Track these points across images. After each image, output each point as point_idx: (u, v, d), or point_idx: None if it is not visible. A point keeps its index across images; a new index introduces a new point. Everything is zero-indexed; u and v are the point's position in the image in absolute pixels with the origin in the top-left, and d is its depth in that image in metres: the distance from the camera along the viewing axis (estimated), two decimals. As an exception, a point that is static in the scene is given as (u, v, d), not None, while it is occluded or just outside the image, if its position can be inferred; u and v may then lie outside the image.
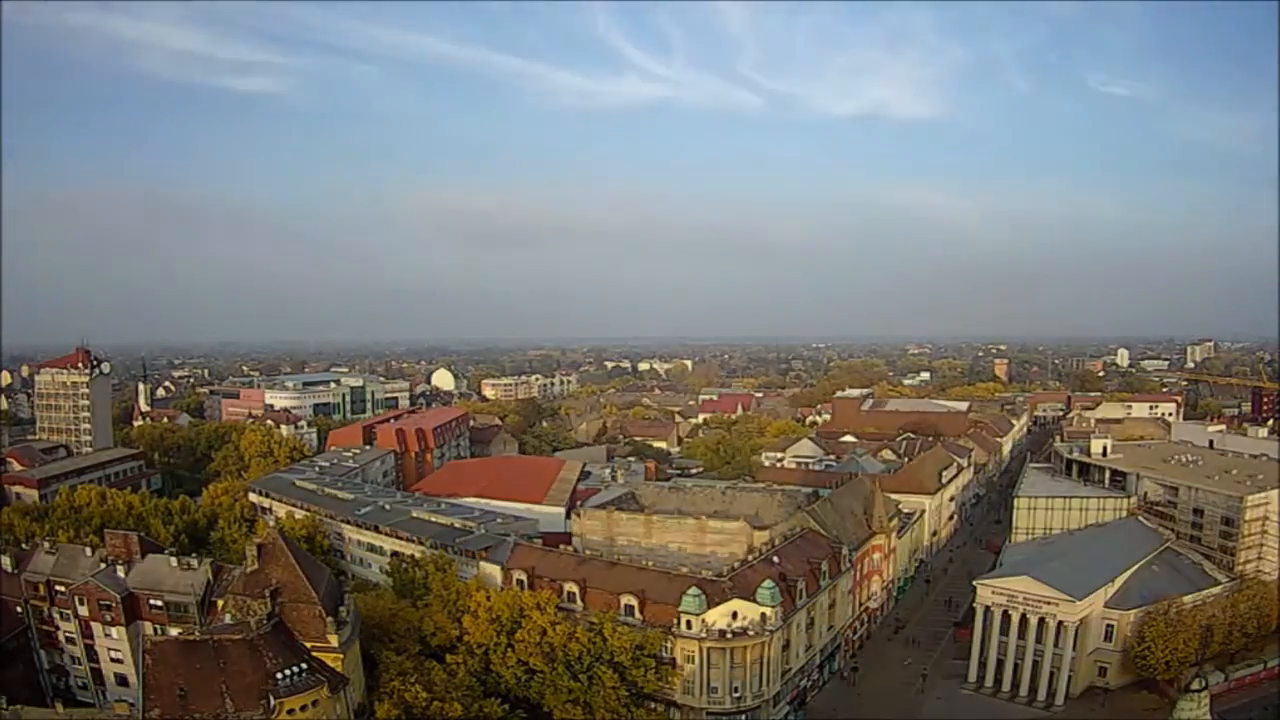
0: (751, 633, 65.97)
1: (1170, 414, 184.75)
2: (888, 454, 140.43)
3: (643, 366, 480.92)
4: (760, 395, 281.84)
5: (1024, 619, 74.15)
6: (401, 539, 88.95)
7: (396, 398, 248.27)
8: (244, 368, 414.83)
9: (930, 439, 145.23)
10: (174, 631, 62.08)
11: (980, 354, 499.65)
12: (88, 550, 72.66)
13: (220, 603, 61.00)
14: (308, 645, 53.79)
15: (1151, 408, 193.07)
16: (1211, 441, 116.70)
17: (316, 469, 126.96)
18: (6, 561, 73.23)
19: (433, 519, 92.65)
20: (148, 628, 65.63)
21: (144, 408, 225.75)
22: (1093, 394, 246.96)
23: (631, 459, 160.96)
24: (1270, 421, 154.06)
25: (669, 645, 66.30)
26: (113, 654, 68.10)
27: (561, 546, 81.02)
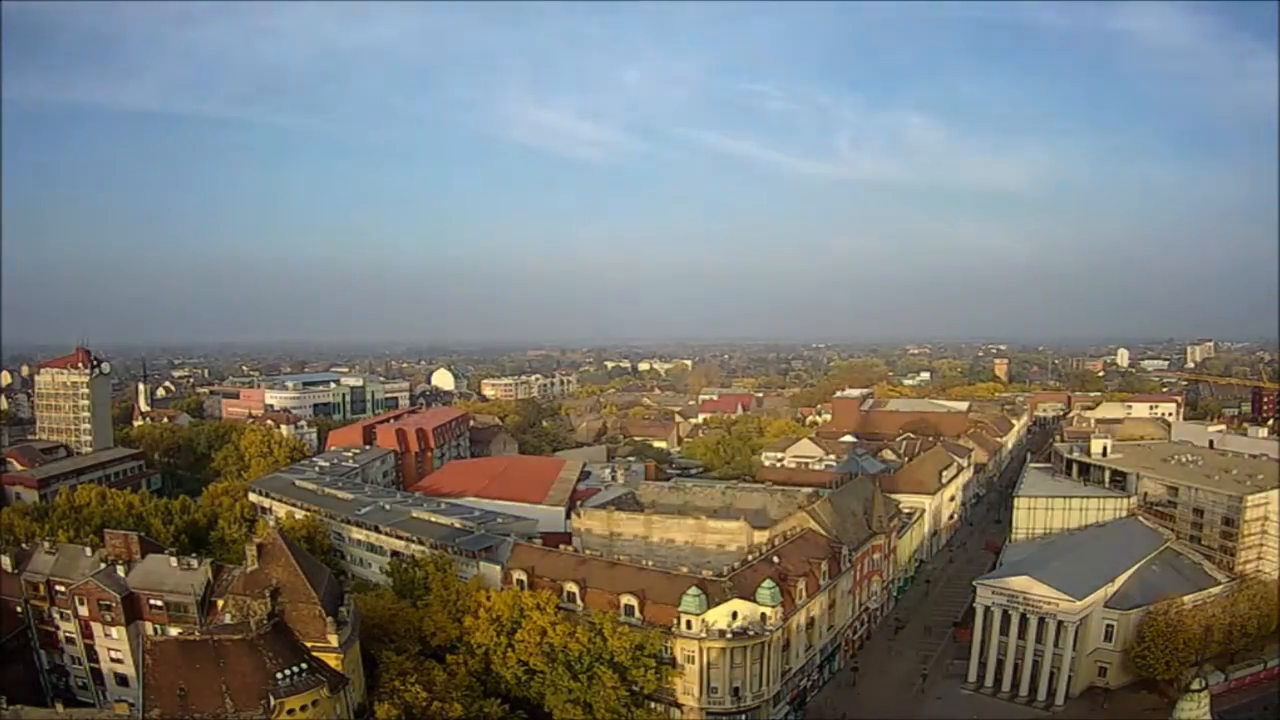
0: (751, 633, 65.99)
1: (1170, 414, 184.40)
2: (888, 454, 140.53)
3: (643, 366, 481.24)
4: (760, 395, 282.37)
5: (1024, 619, 74.12)
6: (402, 539, 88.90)
7: (396, 398, 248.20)
8: (244, 368, 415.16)
9: (930, 439, 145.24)
10: (174, 631, 62.11)
11: (980, 354, 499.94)
12: (88, 550, 72.61)
13: (220, 603, 61.03)
14: (308, 645, 53.75)
15: (1151, 408, 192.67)
16: (1211, 441, 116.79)
17: (316, 469, 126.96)
18: (6, 561, 73.17)
19: (433, 519, 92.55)
20: (148, 628, 65.58)
21: (144, 408, 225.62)
22: (1093, 394, 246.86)
23: (631, 459, 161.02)
24: (1270, 421, 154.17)
25: (669, 645, 66.32)
26: (113, 654, 68.05)
27: (561, 546, 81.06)
